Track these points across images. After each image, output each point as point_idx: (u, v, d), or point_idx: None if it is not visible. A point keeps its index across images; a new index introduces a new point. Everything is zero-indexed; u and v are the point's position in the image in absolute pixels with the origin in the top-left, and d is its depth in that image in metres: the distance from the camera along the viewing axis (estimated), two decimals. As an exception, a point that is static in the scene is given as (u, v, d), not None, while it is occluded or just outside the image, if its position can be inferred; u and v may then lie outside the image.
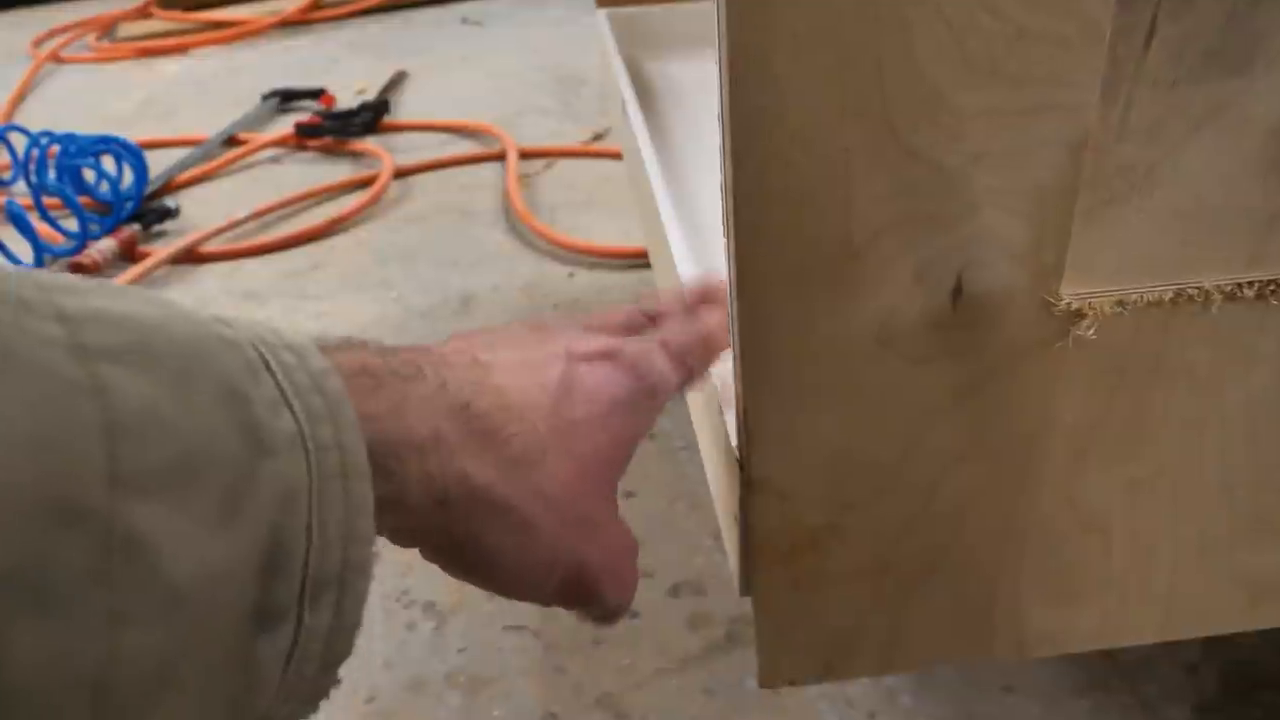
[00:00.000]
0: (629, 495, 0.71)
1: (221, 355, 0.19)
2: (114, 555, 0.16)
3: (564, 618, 0.60)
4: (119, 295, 0.19)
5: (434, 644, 0.61)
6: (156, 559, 0.17)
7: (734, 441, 0.33)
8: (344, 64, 1.80)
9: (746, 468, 0.32)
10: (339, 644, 0.21)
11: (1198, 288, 0.28)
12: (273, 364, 0.20)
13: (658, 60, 0.86)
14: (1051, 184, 0.27)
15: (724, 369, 0.39)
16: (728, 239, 0.28)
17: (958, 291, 0.28)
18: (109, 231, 1.12)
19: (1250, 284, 0.28)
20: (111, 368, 0.17)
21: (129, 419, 0.17)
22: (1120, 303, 0.28)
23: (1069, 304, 0.28)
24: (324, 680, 0.21)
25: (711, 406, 0.39)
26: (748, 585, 0.35)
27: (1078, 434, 0.31)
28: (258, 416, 0.19)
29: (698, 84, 0.80)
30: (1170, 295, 0.28)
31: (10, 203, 1.08)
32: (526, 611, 0.63)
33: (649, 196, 0.55)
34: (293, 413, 0.20)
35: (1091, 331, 0.28)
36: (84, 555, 0.16)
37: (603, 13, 0.89)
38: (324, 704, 0.64)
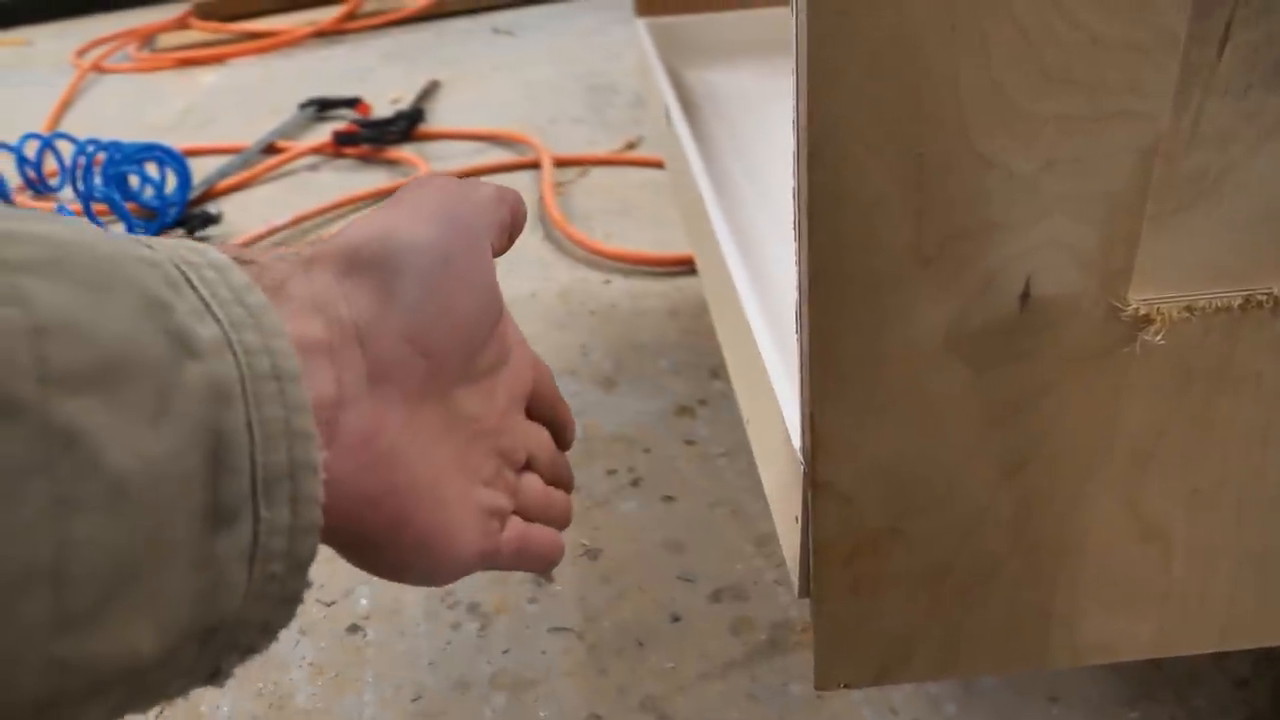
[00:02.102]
0: (669, 500, 0.72)
1: (141, 270, 0.20)
2: (52, 446, 0.17)
3: (606, 620, 0.61)
4: (35, 218, 0.19)
5: (479, 645, 0.61)
6: (95, 450, 0.17)
7: (797, 444, 0.33)
8: (379, 73, 1.82)
9: (811, 471, 0.32)
10: (302, 544, 0.21)
11: (1266, 294, 0.29)
12: (194, 279, 0.21)
13: (696, 69, 0.87)
14: (1121, 190, 0.27)
15: (780, 370, 0.39)
16: (799, 243, 0.28)
17: (1026, 296, 0.28)
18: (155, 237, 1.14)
19: (1320, 291, 0.28)
20: (30, 279, 0.18)
21: (52, 323, 0.18)
22: (1188, 308, 0.29)
23: (1136, 309, 0.29)
24: (294, 582, 0.22)
25: (769, 408, 0.39)
26: (807, 587, 0.35)
27: (1141, 441, 0.31)
28: (181, 323, 0.20)
29: (738, 92, 0.81)
30: (1239, 301, 0.29)
31: (61, 208, 1.10)
32: (570, 614, 0.63)
33: (698, 205, 0.55)
34: (217, 321, 0.20)
35: (1159, 337, 0.29)
36: (21, 446, 0.17)
37: (642, 22, 0.89)
38: (370, 699, 0.64)
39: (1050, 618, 0.36)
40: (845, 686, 0.38)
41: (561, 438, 0.36)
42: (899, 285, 0.28)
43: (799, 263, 0.28)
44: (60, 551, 0.17)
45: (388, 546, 0.27)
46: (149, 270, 0.20)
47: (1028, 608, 0.35)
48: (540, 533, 0.33)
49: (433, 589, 0.65)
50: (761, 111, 0.77)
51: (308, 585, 0.22)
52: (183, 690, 0.21)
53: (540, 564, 0.34)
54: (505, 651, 0.61)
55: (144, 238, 0.21)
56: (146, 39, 2.15)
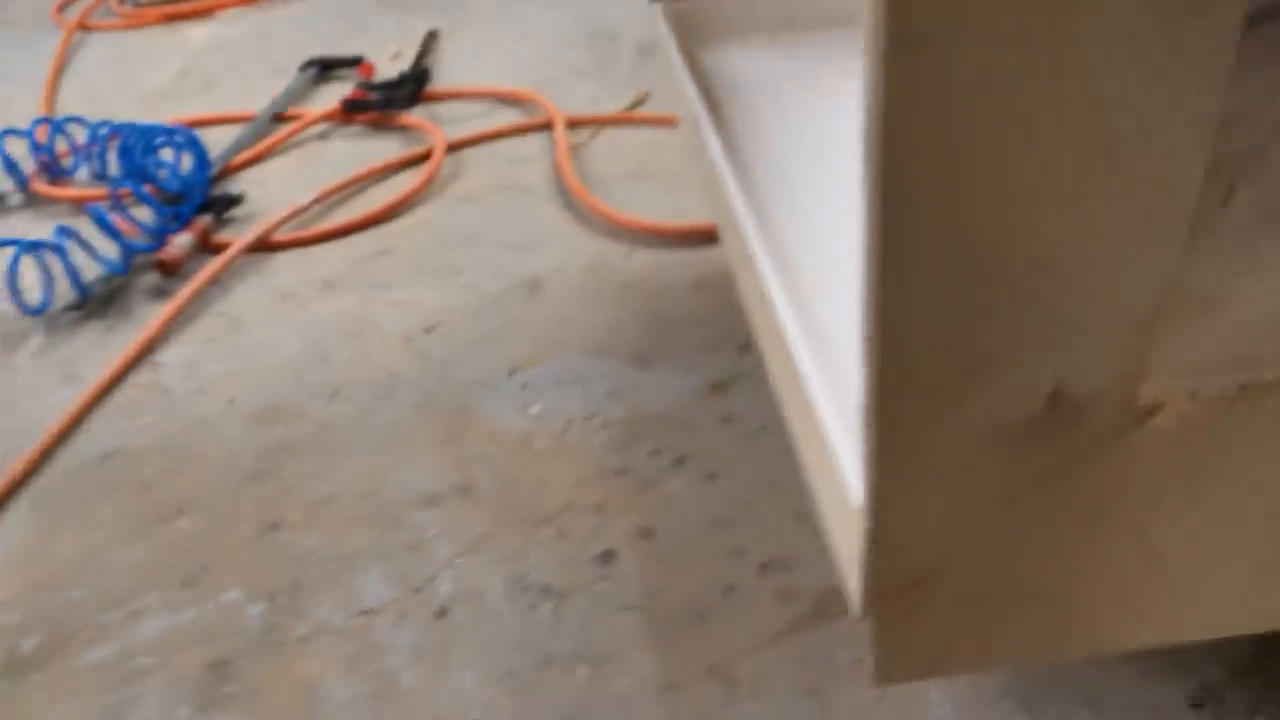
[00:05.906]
0: (713, 477, 0.78)
1: None
2: None
3: (668, 595, 0.68)
4: None
5: (554, 624, 0.69)
6: None
7: (855, 499, 0.39)
8: (373, 23, 1.81)
9: (871, 524, 0.38)
10: None
11: (1258, 381, 0.34)
12: None
13: (712, 50, 0.89)
14: (1140, 313, 0.32)
15: (836, 426, 0.45)
16: (868, 356, 0.33)
17: (1056, 396, 0.34)
18: (185, 224, 1.18)
19: (1304, 379, 0.34)
20: None
21: None
22: (1193, 395, 0.34)
23: (1148, 399, 0.34)
24: None
25: (828, 461, 0.45)
26: (865, 612, 0.42)
27: (1151, 498, 0.37)
28: None
29: (755, 71, 0.84)
30: (1236, 389, 0.34)
31: (93, 207, 1.13)
32: (635, 591, 0.70)
33: (727, 203, 0.60)
34: None
35: (1167, 422, 0.34)
36: None
37: (658, 6, 0.91)
38: (470, 677, 0.70)
39: (1070, 621, 0.43)
40: (900, 681, 0.45)
41: None
42: (952, 390, 0.34)
43: (866, 368, 0.34)
44: None
45: None
46: None
47: (1051, 618, 0.42)
48: None
49: (506, 574, 0.73)
50: (788, 97, 0.80)
51: None
52: None
53: None
54: (581, 628, 0.68)
55: None
56: (130, -8, 2.12)
